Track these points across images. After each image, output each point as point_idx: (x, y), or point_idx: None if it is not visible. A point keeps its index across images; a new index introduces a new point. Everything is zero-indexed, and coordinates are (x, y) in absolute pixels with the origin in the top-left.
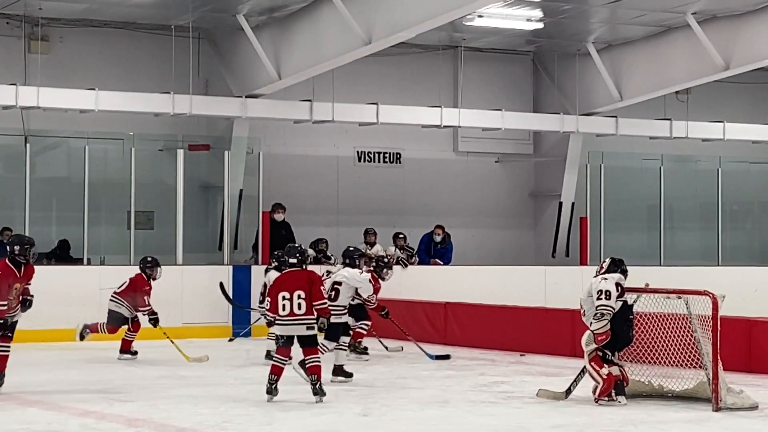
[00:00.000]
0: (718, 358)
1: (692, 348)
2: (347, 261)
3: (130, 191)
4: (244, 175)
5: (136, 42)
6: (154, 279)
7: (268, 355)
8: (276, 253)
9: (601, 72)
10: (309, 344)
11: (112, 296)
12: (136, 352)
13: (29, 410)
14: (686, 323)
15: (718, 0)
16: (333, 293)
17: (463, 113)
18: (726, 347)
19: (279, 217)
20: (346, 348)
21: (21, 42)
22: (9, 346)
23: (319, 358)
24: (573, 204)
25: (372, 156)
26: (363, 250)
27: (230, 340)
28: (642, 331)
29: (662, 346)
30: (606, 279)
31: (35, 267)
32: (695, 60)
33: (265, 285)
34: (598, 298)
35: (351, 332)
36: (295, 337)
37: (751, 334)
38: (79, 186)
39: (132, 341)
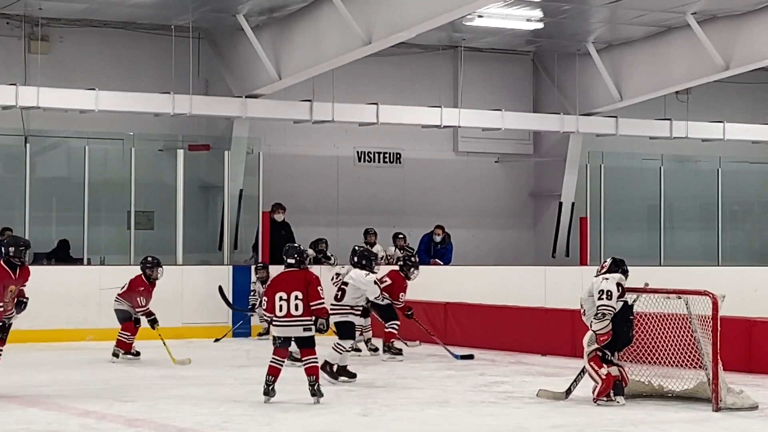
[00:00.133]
0: (718, 358)
1: (692, 348)
2: (361, 262)
3: (130, 191)
4: (244, 175)
5: (136, 42)
6: (155, 279)
7: (290, 357)
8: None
9: (601, 72)
10: (306, 345)
11: (116, 297)
12: (120, 353)
13: (29, 410)
14: (686, 323)
15: (718, 0)
16: (339, 293)
17: (463, 113)
18: (726, 347)
19: (279, 217)
20: (350, 349)
21: (21, 42)
22: (1, 350)
23: (316, 359)
24: (573, 204)
25: (372, 156)
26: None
27: (216, 340)
28: (642, 331)
29: (662, 346)
30: (607, 279)
31: (30, 268)
32: (695, 60)
33: None
34: (599, 298)
35: (361, 332)
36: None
37: (751, 335)
38: (79, 186)
39: (127, 341)
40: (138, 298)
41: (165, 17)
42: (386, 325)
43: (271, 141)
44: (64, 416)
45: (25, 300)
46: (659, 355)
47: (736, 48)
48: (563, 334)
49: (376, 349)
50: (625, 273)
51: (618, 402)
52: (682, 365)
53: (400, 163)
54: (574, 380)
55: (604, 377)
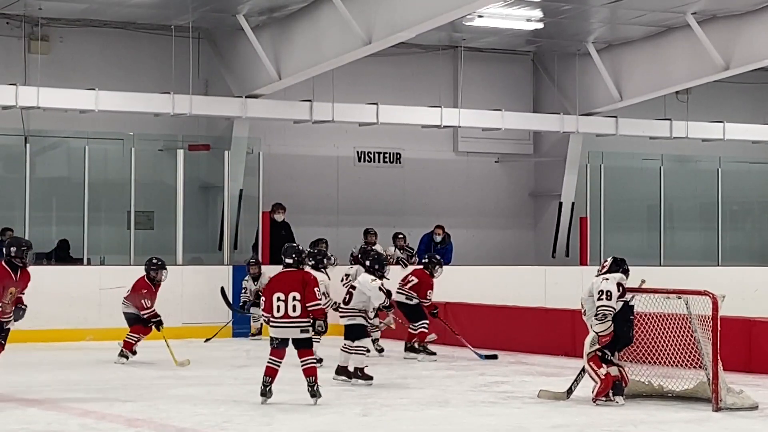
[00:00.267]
0: (718, 358)
1: (692, 348)
2: (374, 266)
3: (130, 191)
4: (244, 175)
5: (136, 42)
6: (159, 281)
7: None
8: (311, 251)
9: (601, 72)
10: (303, 346)
11: (123, 300)
12: (129, 355)
13: (29, 410)
14: (686, 323)
15: (718, 0)
16: (347, 296)
17: (463, 113)
18: (726, 347)
19: (279, 217)
20: (364, 351)
21: (21, 42)
22: None
23: (314, 359)
24: (573, 204)
25: (372, 156)
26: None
27: (206, 340)
28: (642, 331)
29: (662, 346)
30: (607, 279)
31: (30, 269)
32: (695, 60)
33: None
34: (599, 299)
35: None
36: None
37: (751, 334)
38: (79, 186)
39: (129, 341)
40: (142, 300)
41: (165, 17)
42: (415, 325)
43: (271, 141)
44: (63, 416)
45: (23, 307)
46: (659, 355)
47: (736, 48)
48: (563, 334)
49: (382, 350)
50: (626, 272)
51: (617, 402)
52: (682, 365)
53: (400, 163)
54: (575, 380)
55: (603, 377)
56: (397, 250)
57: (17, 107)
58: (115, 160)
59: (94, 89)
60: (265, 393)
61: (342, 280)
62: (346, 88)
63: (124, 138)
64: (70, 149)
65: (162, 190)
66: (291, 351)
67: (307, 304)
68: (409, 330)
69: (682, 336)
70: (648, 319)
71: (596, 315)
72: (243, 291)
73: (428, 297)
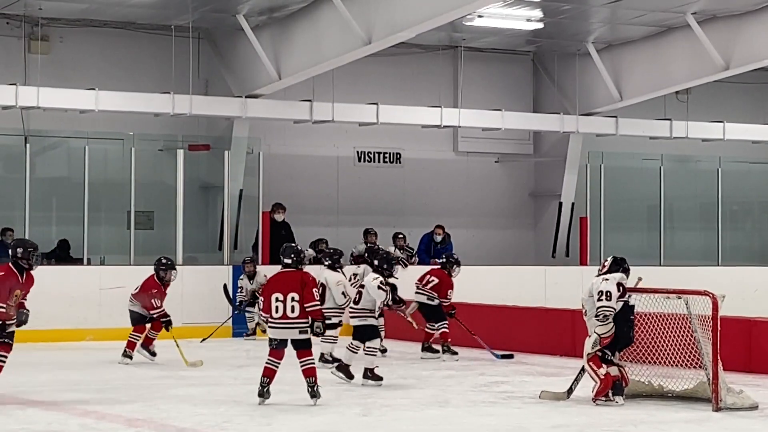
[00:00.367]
0: (718, 358)
1: (692, 348)
2: (382, 266)
3: (130, 191)
4: (244, 175)
5: (136, 42)
6: (168, 281)
7: (322, 358)
8: (328, 250)
9: (601, 72)
10: (302, 347)
11: (130, 298)
12: (133, 355)
13: (29, 410)
14: (686, 323)
15: (718, 0)
16: (357, 296)
17: (463, 113)
18: (726, 347)
19: (279, 217)
20: (375, 352)
21: (21, 42)
22: (6, 356)
23: (313, 360)
24: (573, 204)
25: (372, 156)
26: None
27: (202, 341)
28: (642, 331)
29: (662, 346)
30: (607, 279)
31: (34, 275)
32: (695, 60)
33: (322, 285)
34: (599, 299)
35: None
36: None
37: (751, 334)
38: (79, 186)
39: (136, 343)
40: (152, 300)
41: (165, 17)
42: (435, 326)
43: (271, 141)
44: (63, 416)
45: (26, 311)
46: (659, 355)
47: (736, 48)
48: (563, 334)
49: (384, 350)
50: (626, 271)
51: (617, 402)
52: (682, 365)
53: (400, 163)
54: (575, 380)
55: (602, 377)
56: (397, 250)
57: (17, 107)
58: (115, 160)
59: (94, 89)
60: (263, 394)
61: (350, 280)
62: (346, 88)
63: (124, 138)
64: (70, 149)
65: (162, 190)
66: (291, 351)
67: (306, 305)
68: (426, 330)
69: (682, 336)
70: (648, 319)
71: (597, 316)
72: (239, 290)
73: (448, 297)
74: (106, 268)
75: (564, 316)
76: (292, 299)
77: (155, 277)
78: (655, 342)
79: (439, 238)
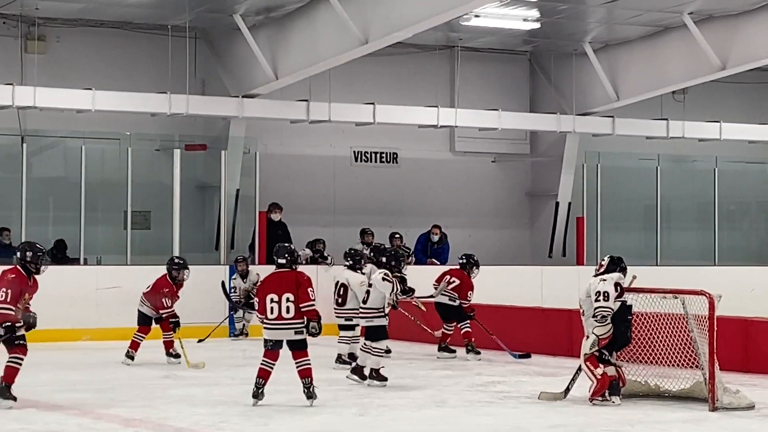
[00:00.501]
0: (715, 358)
1: (689, 348)
2: (390, 263)
3: (127, 191)
4: (241, 175)
5: (132, 42)
6: (180, 281)
7: (339, 359)
8: (351, 250)
9: (598, 72)
10: (298, 348)
11: (141, 297)
12: (135, 355)
13: (27, 410)
14: (683, 323)
15: (715, 0)
16: (366, 295)
17: (460, 113)
18: (722, 347)
19: (276, 216)
20: (382, 352)
21: (18, 42)
22: (22, 358)
23: (309, 360)
24: (570, 204)
25: (369, 156)
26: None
27: (200, 341)
28: (639, 331)
29: (659, 346)
30: (605, 280)
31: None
32: (692, 60)
33: (343, 285)
34: (597, 300)
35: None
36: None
37: (748, 334)
38: (75, 186)
39: (140, 343)
40: (163, 299)
41: (162, 17)
42: (449, 326)
43: (268, 141)
44: (61, 416)
45: (33, 315)
46: (656, 354)
47: (733, 48)
48: (560, 333)
49: (389, 351)
50: (623, 271)
51: (613, 402)
52: (678, 365)
53: (396, 163)
54: (572, 379)
55: (599, 377)
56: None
57: (14, 107)
58: (111, 159)
59: (90, 89)
60: (257, 395)
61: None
62: (343, 87)
63: (120, 138)
64: (67, 149)
65: (159, 189)
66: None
67: (301, 305)
68: (444, 330)
69: (679, 336)
70: (645, 318)
71: (595, 317)
72: (233, 290)
73: (468, 298)
74: (102, 268)
75: (561, 315)
76: (287, 300)
77: (167, 277)
78: (652, 342)
79: (435, 238)
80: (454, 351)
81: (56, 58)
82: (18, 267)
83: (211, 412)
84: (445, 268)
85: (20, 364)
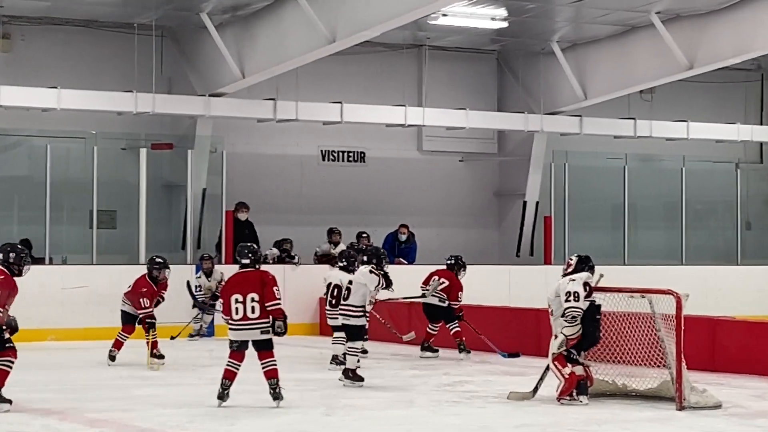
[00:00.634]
0: (682, 357)
1: (656, 347)
2: (372, 260)
3: (93, 190)
4: (208, 174)
5: (98, 40)
6: (161, 281)
7: (334, 360)
8: (346, 251)
9: (566, 71)
10: (264, 348)
11: (122, 297)
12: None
13: None
14: (650, 322)
15: None
16: (346, 292)
17: (428, 112)
18: (689, 346)
19: (242, 216)
20: (357, 352)
21: None
22: (13, 361)
23: (275, 361)
24: (537, 203)
25: (336, 155)
26: (328, 250)
27: (172, 338)
28: (606, 330)
29: (626, 345)
30: (574, 280)
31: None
32: (659, 59)
33: (336, 286)
34: (567, 300)
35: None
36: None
37: (715, 333)
38: (41, 185)
39: (123, 342)
40: (141, 299)
41: (128, 15)
42: (450, 326)
43: (235, 140)
44: (26, 417)
45: (14, 317)
46: (623, 354)
47: (700, 47)
48: (528, 333)
49: (365, 351)
50: (592, 269)
51: (581, 401)
52: (646, 364)
53: (364, 162)
54: (540, 379)
55: (567, 376)
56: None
57: None
58: (77, 158)
59: (56, 87)
60: (223, 396)
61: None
62: (310, 86)
63: (86, 137)
64: (32, 148)
65: (125, 188)
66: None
67: (267, 304)
68: (428, 330)
69: (646, 335)
70: (612, 318)
71: (564, 317)
72: (197, 288)
73: (459, 299)
74: (68, 268)
75: (528, 315)
76: (252, 300)
77: (147, 277)
78: (619, 341)
79: (403, 237)
80: (437, 351)
81: (21, 56)
82: (2, 269)
83: (177, 413)
84: (413, 267)
85: (11, 368)
